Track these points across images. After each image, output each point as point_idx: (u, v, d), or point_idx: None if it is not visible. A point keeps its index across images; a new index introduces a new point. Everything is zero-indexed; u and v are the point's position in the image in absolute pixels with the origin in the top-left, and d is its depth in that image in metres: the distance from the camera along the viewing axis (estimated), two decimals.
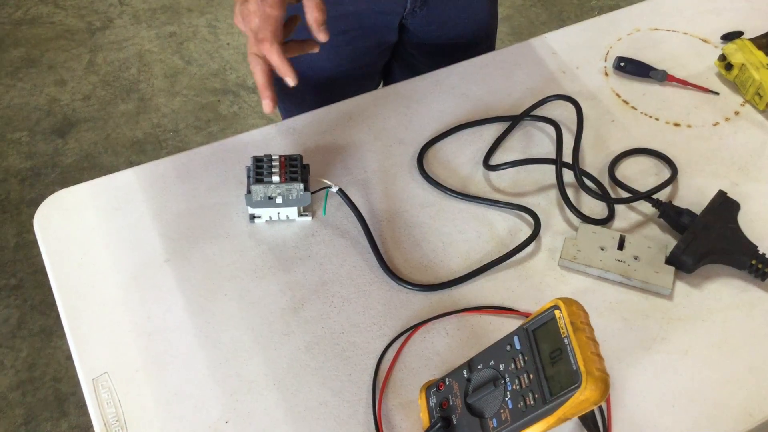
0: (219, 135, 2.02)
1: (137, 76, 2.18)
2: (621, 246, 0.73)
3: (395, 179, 0.80)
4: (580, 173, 0.79)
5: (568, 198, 0.77)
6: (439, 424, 0.57)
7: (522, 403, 0.52)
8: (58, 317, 1.61)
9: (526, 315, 0.69)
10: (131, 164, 1.90)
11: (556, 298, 0.54)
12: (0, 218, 1.81)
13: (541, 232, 0.75)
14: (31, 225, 0.77)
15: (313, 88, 0.98)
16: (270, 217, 0.75)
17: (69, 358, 1.55)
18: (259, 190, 0.72)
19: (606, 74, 0.93)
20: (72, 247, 0.74)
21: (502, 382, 0.55)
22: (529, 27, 2.35)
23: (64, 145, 1.98)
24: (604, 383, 0.49)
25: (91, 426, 0.62)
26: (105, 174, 0.80)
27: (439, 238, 0.75)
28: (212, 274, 0.72)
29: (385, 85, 1.11)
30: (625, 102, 0.89)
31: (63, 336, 1.56)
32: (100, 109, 2.08)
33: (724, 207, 0.74)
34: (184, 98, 2.12)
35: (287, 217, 0.75)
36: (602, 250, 0.72)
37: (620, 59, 0.92)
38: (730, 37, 0.96)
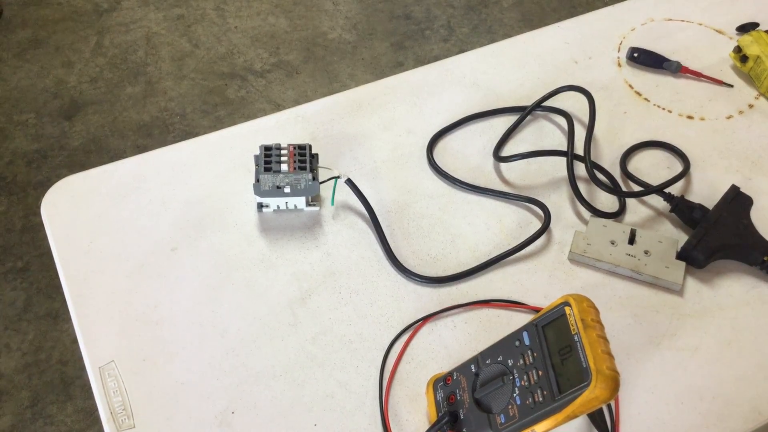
0: (226, 119, 2.01)
1: (144, 58, 2.17)
2: (632, 240, 0.72)
3: (404, 170, 0.80)
4: (591, 166, 0.78)
5: (578, 191, 0.76)
6: (446, 419, 0.56)
7: (530, 400, 0.52)
8: (64, 300, 1.61)
9: (535, 309, 0.68)
10: (138, 148, 1.89)
11: (567, 294, 0.54)
12: (7, 201, 1.81)
13: (551, 225, 0.75)
14: (38, 208, 0.77)
15: None
16: (278, 207, 0.75)
17: (75, 341, 1.55)
18: (267, 179, 0.71)
19: (619, 65, 0.91)
20: (79, 234, 0.73)
21: (511, 377, 0.54)
22: (540, 13, 2.32)
23: (71, 127, 1.97)
24: (615, 382, 0.49)
25: (97, 409, 0.62)
26: (111, 157, 0.80)
27: (448, 230, 0.75)
28: (219, 264, 0.71)
29: None
30: (638, 93, 0.88)
31: (69, 319, 1.57)
32: (107, 91, 2.07)
33: (737, 202, 0.73)
34: (191, 82, 2.11)
35: (295, 206, 0.75)
36: (612, 244, 0.72)
37: (633, 50, 0.91)
38: (745, 28, 0.95)
